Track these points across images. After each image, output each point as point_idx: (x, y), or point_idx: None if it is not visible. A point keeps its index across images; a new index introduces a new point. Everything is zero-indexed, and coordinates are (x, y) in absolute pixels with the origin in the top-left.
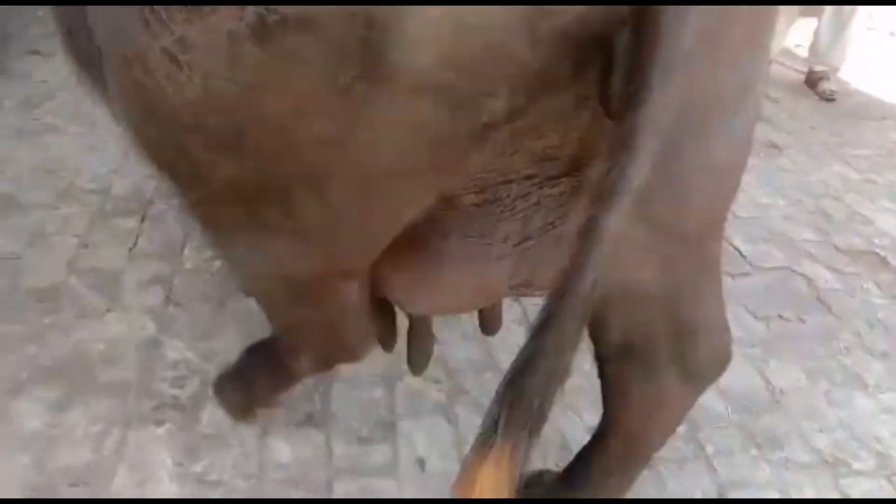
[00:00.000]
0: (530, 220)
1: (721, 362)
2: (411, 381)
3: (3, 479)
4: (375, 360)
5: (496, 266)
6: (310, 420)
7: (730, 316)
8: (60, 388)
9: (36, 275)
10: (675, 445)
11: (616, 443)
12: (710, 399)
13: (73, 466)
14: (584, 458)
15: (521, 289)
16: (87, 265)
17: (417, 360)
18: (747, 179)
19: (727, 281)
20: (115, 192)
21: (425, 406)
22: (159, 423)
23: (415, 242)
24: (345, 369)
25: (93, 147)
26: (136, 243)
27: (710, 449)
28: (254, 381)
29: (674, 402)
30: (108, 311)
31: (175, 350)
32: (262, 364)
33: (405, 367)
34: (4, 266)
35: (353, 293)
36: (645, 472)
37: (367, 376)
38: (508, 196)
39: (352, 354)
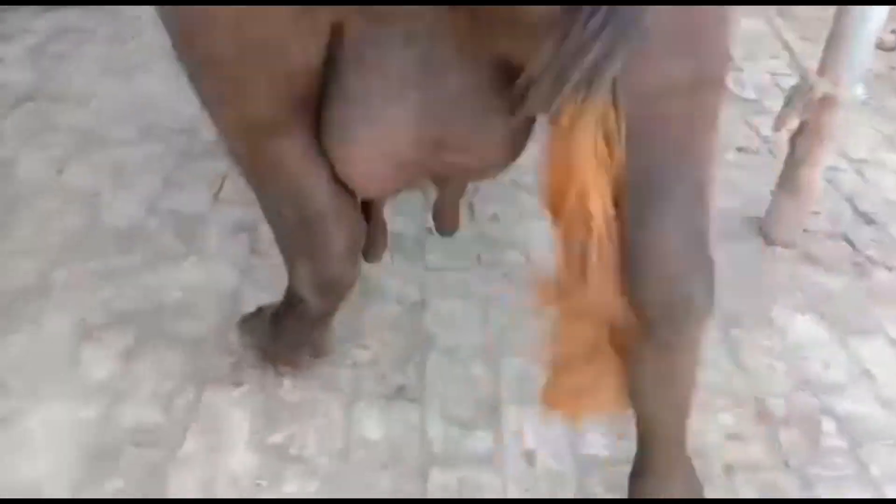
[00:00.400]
0: (430, 52)
1: (680, 307)
2: (517, 360)
3: (65, 432)
4: (473, 330)
5: (402, 110)
6: (402, 393)
7: (889, 317)
8: (132, 336)
9: (115, 214)
10: (833, 461)
11: (639, 432)
12: (870, 408)
13: (140, 425)
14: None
15: (435, 152)
16: (168, 207)
17: (369, 250)
18: None
19: (883, 275)
20: (202, 133)
21: (533, 391)
22: (237, 383)
23: (323, 97)
24: (442, 339)
25: (182, 86)
26: (221, 187)
27: (874, 470)
28: (278, 321)
29: (639, 359)
30: (188, 256)
31: (257, 303)
32: (285, 304)
33: (510, 343)
34: (83, 203)
35: (296, 160)
36: (800, 490)
37: (467, 349)
38: (396, 16)
39: (332, 259)
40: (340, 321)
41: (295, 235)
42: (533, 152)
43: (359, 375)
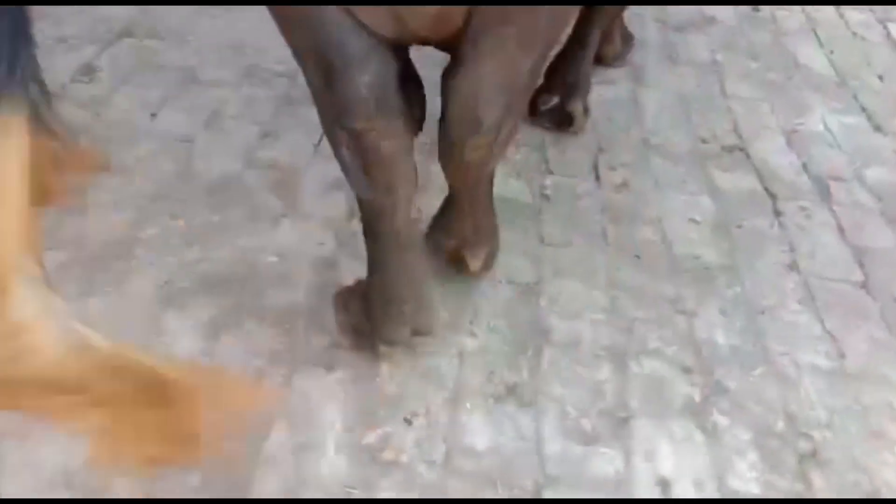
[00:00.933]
0: None
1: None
2: (650, 363)
3: None
4: (598, 322)
5: None
6: (513, 394)
7: None
8: (220, 305)
9: (208, 162)
10: None
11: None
12: None
13: None
14: None
15: None
16: (265, 158)
17: None
18: None
19: None
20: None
21: (670, 402)
22: (329, 367)
23: None
24: (560, 330)
25: None
26: (322, 138)
27: None
28: (370, 286)
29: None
30: (283, 216)
31: (353, 275)
32: (370, 255)
33: (642, 341)
34: (175, 149)
35: None
36: None
37: (589, 344)
38: None
39: (360, 108)
40: (443, 302)
41: (323, 92)
42: (666, 105)
43: (464, 368)
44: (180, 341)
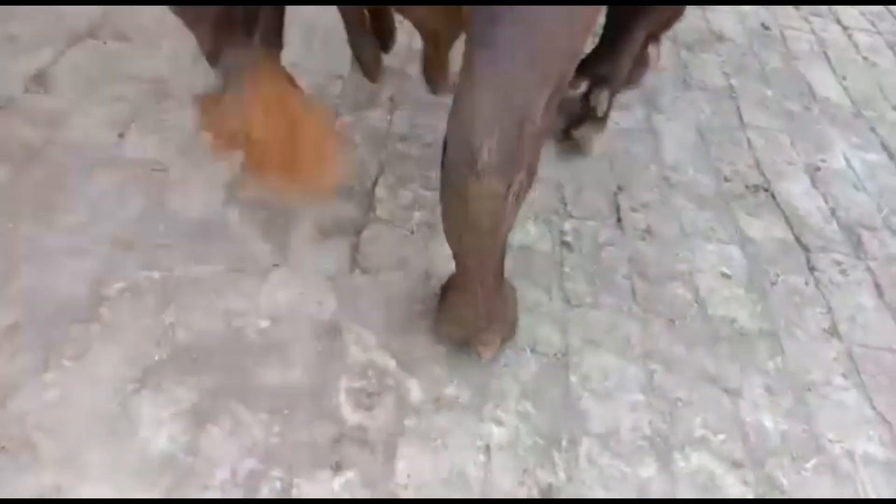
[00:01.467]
0: None
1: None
2: (697, 457)
3: None
4: (637, 404)
5: None
6: (548, 496)
7: None
8: (203, 386)
9: (184, 198)
10: None
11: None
12: None
13: None
14: None
15: None
16: (251, 194)
17: (367, 66)
18: None
19: None
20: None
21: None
22: (337, 468)
23: None
24: (596, 416)
25: None
26: None
27: None
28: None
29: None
30: (274, 266)
31: (362, 345)
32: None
33: (687, 427)
34: (146, 180)
35: None
36: None
37: (629, 433)
38: None
39: None
40: (463, 379)
41: None
42: (684, 136)
43: (492, 465)
44: (156, 433)
